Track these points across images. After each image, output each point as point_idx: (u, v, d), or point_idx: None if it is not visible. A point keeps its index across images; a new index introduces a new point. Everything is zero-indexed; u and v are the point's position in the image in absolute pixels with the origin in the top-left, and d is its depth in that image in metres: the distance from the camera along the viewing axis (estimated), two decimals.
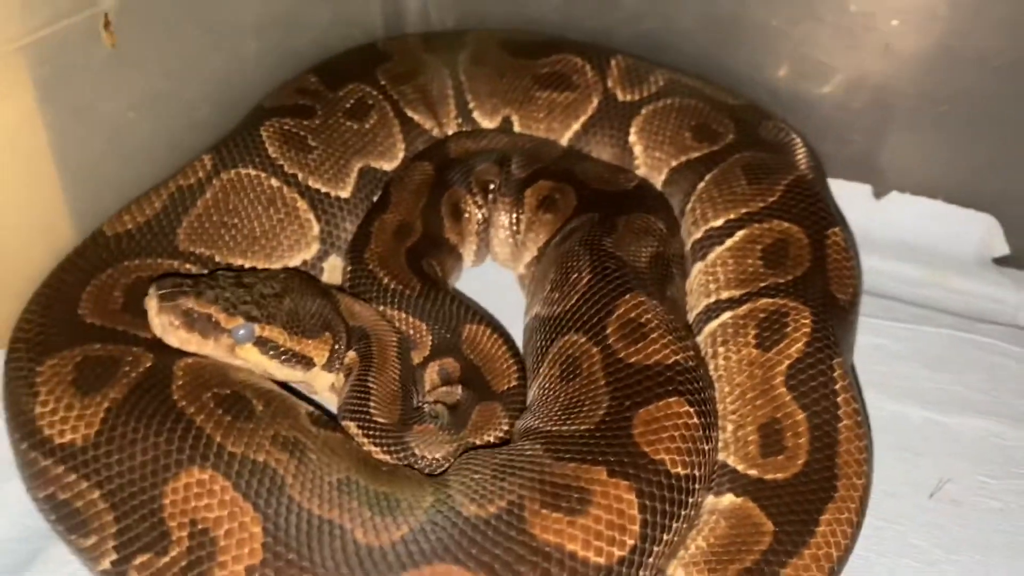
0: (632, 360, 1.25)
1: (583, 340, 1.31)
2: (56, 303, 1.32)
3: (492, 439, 1.34)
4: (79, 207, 1.49)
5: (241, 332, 1.27)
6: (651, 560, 1.10)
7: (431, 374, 1.48)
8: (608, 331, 1.30)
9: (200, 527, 1.04)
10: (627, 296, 1.33)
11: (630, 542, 1.07)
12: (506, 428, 1.36)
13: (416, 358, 1.48)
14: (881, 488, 1.37)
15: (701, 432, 1.18)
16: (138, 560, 1.09)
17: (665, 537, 1.11)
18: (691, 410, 1.19)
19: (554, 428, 1.21)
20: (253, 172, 1.54)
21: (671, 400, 1.19)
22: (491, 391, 1.42)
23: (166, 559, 1.07)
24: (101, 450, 1.11)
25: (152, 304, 1.24)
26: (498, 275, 1.79)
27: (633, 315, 1.30)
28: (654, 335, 1.27)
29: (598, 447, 1.14)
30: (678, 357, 1.25)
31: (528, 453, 1.17)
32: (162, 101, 1.61)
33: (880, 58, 1.82)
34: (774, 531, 1.17)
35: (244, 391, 1.21)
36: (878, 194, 1.92)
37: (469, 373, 1.45)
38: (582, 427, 1.19)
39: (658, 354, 1.25)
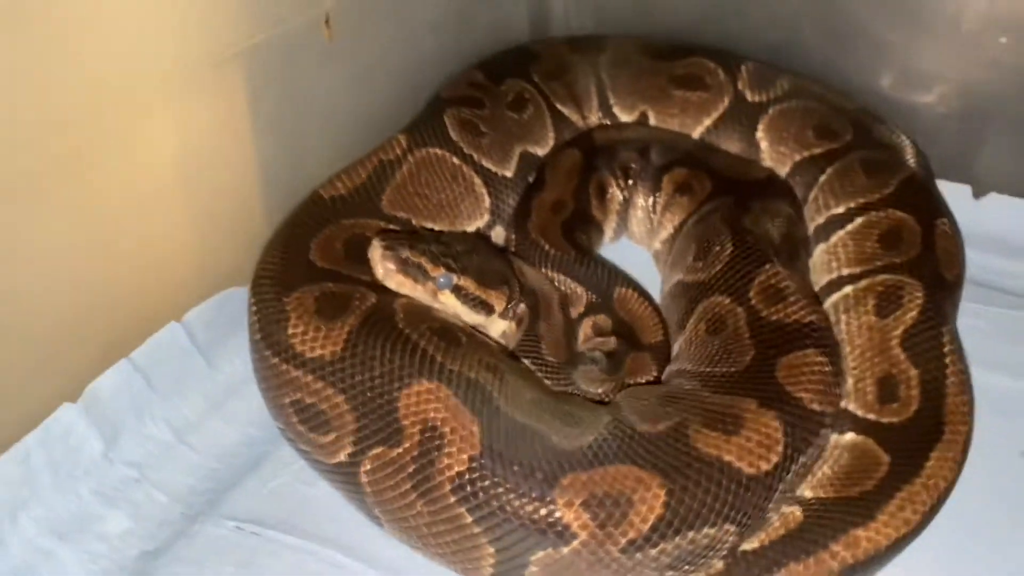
0: (774, 318, 1.49)
1: (728, 301, 1.55)
2: (290, 250, 1.60)
3: (643, 381, 1.59)
4: (287, 179, 1.79)
5: (442, 280, 1.54)
6: (788, 476, 1.33)
7: (586, 327, 1.74)
8: (751, 294, 1.54)
9: (430, 425, 1.31)
10: (766, 266, 1.57)
11: (774, 459, 1.30)
12: (655, 373, 1.61)
13: (572, 313, 1.74)
14: (975, 444, 1.55)
15: (832, 378, 1.42)
16: (373, 452, 1.36)
17: (801, 459, 1.35)
18: (825, 360, 1.42)
19: (707, 369, 1.45)
20: (440, 152, 1.81)
21: (808, 351, 1.43)
22: (641, 343, 1.67)
23: (399, 450, 1.33)
24: (346, 363, 1.38)
25: (377, 253, 1.51)
26: (630, 253, 2.03)
27: (773, 282, 1.54)
28: (791, 298, 1.51)
29: (749, 384, 1.38)
30: (812, 317, 1.48)
31: (687, 387, 1.42)
32: (357, 85, 1.89)
33: (986, 71, 2.01)
34: (890, 462, 1.40)
35: (449, 326, 1.48)
36: (977, 194, 2.10)
37: (620, 328, 1.70)
38: (732, 369, 1.43)
39: (796, 314, 1.49)
